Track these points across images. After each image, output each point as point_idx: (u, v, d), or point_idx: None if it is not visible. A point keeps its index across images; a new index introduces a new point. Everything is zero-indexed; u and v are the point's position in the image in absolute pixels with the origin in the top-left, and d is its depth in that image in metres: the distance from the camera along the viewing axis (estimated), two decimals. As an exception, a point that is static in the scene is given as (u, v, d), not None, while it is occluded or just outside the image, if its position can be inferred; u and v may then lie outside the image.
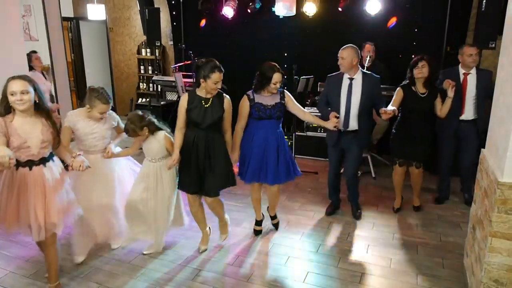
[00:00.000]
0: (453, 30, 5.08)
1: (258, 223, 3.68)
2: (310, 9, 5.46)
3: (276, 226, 3.74)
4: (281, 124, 3.39)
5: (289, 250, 3.40)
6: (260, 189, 3.56)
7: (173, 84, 6.15)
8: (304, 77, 5.24)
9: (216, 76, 2.89)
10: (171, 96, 7.24)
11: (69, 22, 8.15)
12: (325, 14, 5.62)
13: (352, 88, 3.54)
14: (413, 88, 3.65)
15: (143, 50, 7.89)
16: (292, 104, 3.35)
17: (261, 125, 3.27)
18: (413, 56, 3.78)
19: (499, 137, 2.47)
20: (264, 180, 3.37)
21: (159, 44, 6.76)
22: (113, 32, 8.16)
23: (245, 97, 3.28)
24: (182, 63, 6.46)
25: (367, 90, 3.51)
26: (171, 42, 7.43)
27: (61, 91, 6.31)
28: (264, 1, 5.94)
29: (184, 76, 6.04)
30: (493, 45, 4.47)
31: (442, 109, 3.65)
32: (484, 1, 4.46)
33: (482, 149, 2.88)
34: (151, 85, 7.72)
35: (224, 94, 3.10)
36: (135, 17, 7.75)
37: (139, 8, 6.98)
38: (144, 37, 7.28)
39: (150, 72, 7.85)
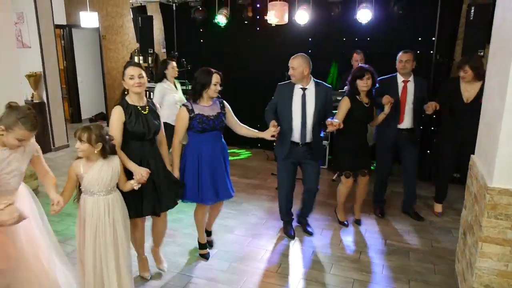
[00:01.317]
0: (443, 38, 5.16)
1: (204, 246, 3.42)
2: (302, 18, 5.52)
3: (211, 244, 3.53)
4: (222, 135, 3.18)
5: (281, 257, 3.40)
6: (208, 208, 3.27)
7: (166, 91, 6.14)
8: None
9: (129, 70, 2.67)
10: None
11: (61, 30, 8.14)
12: (316, 23, 5.68)
13: (306, 99, 3.40)
14: (358, 98, 3.61)
15: (136, 58, 7.87)
16: (231, 116, 3.18)
17: (206, 138, 3.00)
18: None
19: (488, 144, 2.51)
20: (222, 197, 3.13)
21: (152, 51, 6.80)
22: (106, 39, 8.16)
23: (183, 108, 2.99)
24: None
25: (320, 101, 3.40)
26: (164, 50, 7.44)
27: (53, 99, 6.29)
28: (257, 10, 5.99)
29: (177, 84, 6.04)
30: (482, 53, 4.55)
31: (374, 121, 3.75)
32: (472, 10, 4.56)
33: (471, 155, 2.92)
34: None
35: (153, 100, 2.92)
36: (128, 25, 7.76)
37: (132, 16, 7.00)
38: (137, 45, 7.29)
39: (143, 79, 7.84)
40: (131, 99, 2.71)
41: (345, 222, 3.96)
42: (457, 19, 5.25)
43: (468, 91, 3.69)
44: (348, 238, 3.70)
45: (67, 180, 2.48)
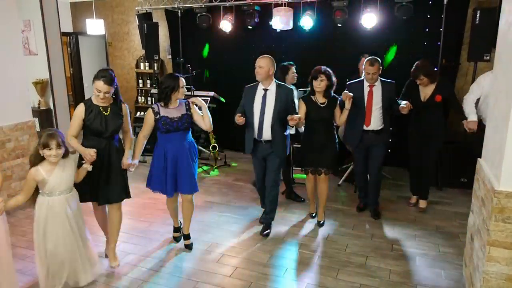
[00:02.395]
0: (449, 43, 5.15)
1: (176, 229, 3.73)
2: (307, 23, 5.54)
3: (189, 247, 3.57)
4: (190, 134, 3.43)
5: (287, 261, 3.39)
6: (176, 200, 3.56)
7: (171, 97, 6.19)
8: (301, 89, 5.28)
9: (96, 85, 2.92)
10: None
11: (68, 37, 8.24)
12: (321, 28, 5.70)
13: (266, 99, 3.61)
14: (313, 98, 3.77)
15: (141, 64, 7.95)
16: (197, 116, 3.37)
17: (170, 139, 3.28)
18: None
19: (494, 147, 2.49)
20: (181, 190, 3.38)
21: (157, 58, 6.85)
22: (112, 46, 8.24)
23: (149, 110, 3.31)
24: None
25: (281, 101, 3.58)
26: (170, 56, 7.49)
27: (60, 105, 6.33)
28: (262, 15, 6.02)
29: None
30: (488, 57, 4.54)
31: (340, 118, 3.81)
32: (478, 15, 4.55)
33: (478, 159, 2.89)
34: (149, 98, 7.77)
35: (122, 102, 3.15)
36: (134, 31, 7.83)
37: (138, 23, 7.06)
38: (143, 51, 7.36)
39: (148, 85, 7.90)
40: (96, 100, 3.02)
41: (313, 214, 4.22)
42: (463, 24, 5.25)
43: (425, 91, 4.09)
44: (354, 243, 3.68)
45: (24, 186, 2.71)
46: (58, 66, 6.28)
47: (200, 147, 6.22)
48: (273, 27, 5.63)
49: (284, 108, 3.57)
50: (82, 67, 8.51)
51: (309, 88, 3.82)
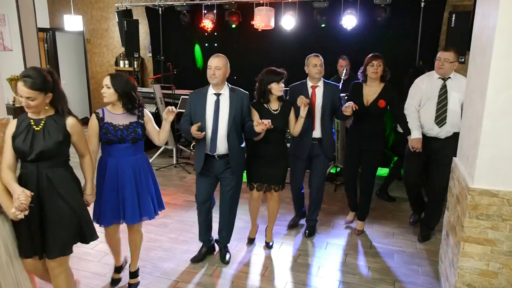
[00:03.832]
0: (425, 45, 5.27)
1: (118, 269, 3.07)
2: (288, 23, 5.58)
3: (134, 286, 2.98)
4: (142, 147, 2.82)
5: (268, 260, 3.40)
6: (118, 230, 2.91)
7: (152, 95, 6.13)
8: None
9: (18, 87, 2.19)
10: (149, 108, 7.14)
11: (45, 33, 8.04)
12: (302, 28, 5.76)
13: (220, 105, 3.06)
14: (265, 105, 3.26)
15: (121, 62, 7.85)
16: (151, 126, 2.82)
17: (112, 151, 2.68)
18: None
19: (469, 146, 2.57)
20: (123, 219, 2.76)
21: (137, 55, 6.77)
22: (90, 43, 8.09)
23: (93, 115, 2.72)
24: (161, 75, 6.46)
25: (236, 107, 3.06)
26: (150, 54, 7.42)
27: (36, 102, 6.18)
28: (243, 14, 6.03)
29: (163, 88, 6.03)
30: (463, 59, 4.67)
31: (295, 127, 3.32)
32: (453, 18, 4.68)
33: (453, 158, 2.98)
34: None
35: (68, 115, 2.37)
36: (114, 28, 7.72)
37: (117, 20, 6.96)
38: (123, 49, 7.26)
39: (128, 84, 7.79)
40: (31, 112, 2.31)
41: (253, 239, 3.67)
42: (439, 26, 5.39)
43: (369, 94, 3.59)
44: (334, 241, 3.73)
45: None
46: (34, 63, 6.12)
47: (180, 146, 6.18)
48: (255, 26, 5.65)
49: (239, 115, 3.08)
50: (59, 64, 8.32)
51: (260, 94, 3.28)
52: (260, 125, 2.90)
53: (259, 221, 3.72)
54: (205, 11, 6.08)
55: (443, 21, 5.32)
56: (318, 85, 3.57)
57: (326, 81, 3.66)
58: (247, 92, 3.20)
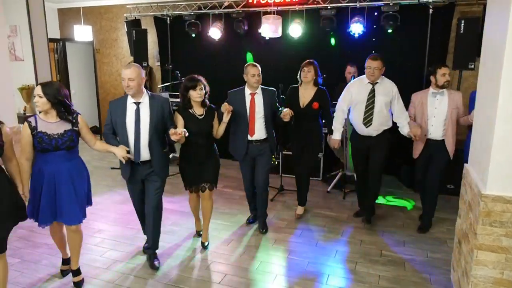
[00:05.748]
0: (434, 52, 5.24)
1: (66, 261, 3.24)
2: (295, 31, 5.60)
3: (78, 285, 3.07)
4: (77, 152, 2.96)
5: (276, 267, 3.37)
6: (61, 228, 3.09)
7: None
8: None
9: None
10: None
11: (55, 43, 8.15)
12: (309, 36, 5.77)
13: (140, 113, 3.09)
14: (190, 110, 3.38)
15: (129, 71, 7.90)
16: (86, 132, 2.94)
17: (48, 159, 2.78)
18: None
19: (481, 151, 2.53)
20: (61, 219, 2.90)
21: (146, 64, 6.82)
22: (99, 53, 8.18)
23: (25, 124, 2.75)
24: (169, 83, 6.49)
25: (157, 114, 3.11)
26: (158, 63, 7.47)
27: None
28: (251, 23, 6.06)
29: (171, 96, 6.06)
30: (472, 66, 4.63)
31: (217, 131, 3.53)
32: (462, 24, 4.65)
33: (465, 164, 2.94)
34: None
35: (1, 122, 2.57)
36: (123, 38, 7.79)
37: (126, 30, 7.04)
38: (131, 58, 7.31)
39: (136, 92, 7.85)
40: None
41: (200, 232, 3.85)
42: (448, 33, 5.36)
43: (304, 97, 4.02)
44: (343, 249, 3.68)
45: None
46: (44, 72, 6.21)
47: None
48: (262, 35, 5.67)
49: (160, 122, 3.15)
50: (69, 74, 8.42)
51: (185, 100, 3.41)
52: (174, 135, 3.02)
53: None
54: (212, 20, 6.13)
55: (452, 27, 5.29)
56: (256, 92, 3.76)
57: (263, 87, 3.82)
58: (167, 97, 3.28)
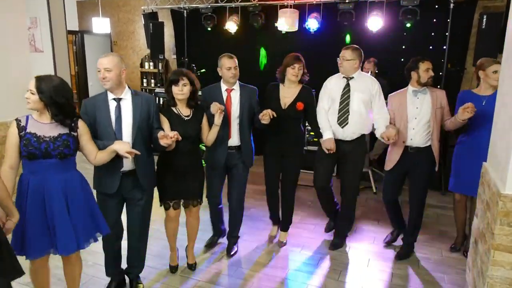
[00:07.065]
0: (454, 48, 5.13)
1: None
2: (313, 25, 5.55)
3: None
4: (74, 164, 2.36)
5: (289, 262, 3.37)
6: (47, 263, 2.44)
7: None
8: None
9: None
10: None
11: (74, 35, 8.27)
12: (327, 30, 5.71)
13: (122, 112, 2.59)
14: (174, 110, 2.86)
15: (146, 64, 7.97)
16: (86, 140, 2.35)
17: (35, 168, 2.20)
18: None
19: (501, 150, 2.47)
20: (55, 249, 2.26)
21: (162, 57, 6.87)
22: (117, 45, 8.26)
23: (13, 123, 2.21)
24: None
25: (141, 113, 2.62)
26: (174, 56, 7.52)
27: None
28: (267, 16, 6.03)
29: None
30: (493, 62, 4.51)
31: (208, 136, 2.97)
32: (484, 19, 4.53)
33: (483, 163, 2.87)
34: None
35: None
36: (139, 31, 7.86)
37: (143, 22, 7.09)
38: (148, 51, 7.38)
39: (152, 85, 7.92)
40: None
41: (174, 267, 3.19)
42: (469, 28, 5.24)
43: (286, 97, 3.32)
44: (356, 246, 3.66)
45: None
46: (63, 64, 6.32)
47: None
48: (279, 28, 5.64)
49: (146, 123, 2.65)
50: (87, 66, 8.55)
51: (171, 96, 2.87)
52: (164, 138, 2.53)
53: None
54: (229, 14, 6.12)
55: (474, 22, 5.16)
56: (233, 88, 3.21)
57: (242, 83, 3.30)
58: (151, 95, 2.78)
